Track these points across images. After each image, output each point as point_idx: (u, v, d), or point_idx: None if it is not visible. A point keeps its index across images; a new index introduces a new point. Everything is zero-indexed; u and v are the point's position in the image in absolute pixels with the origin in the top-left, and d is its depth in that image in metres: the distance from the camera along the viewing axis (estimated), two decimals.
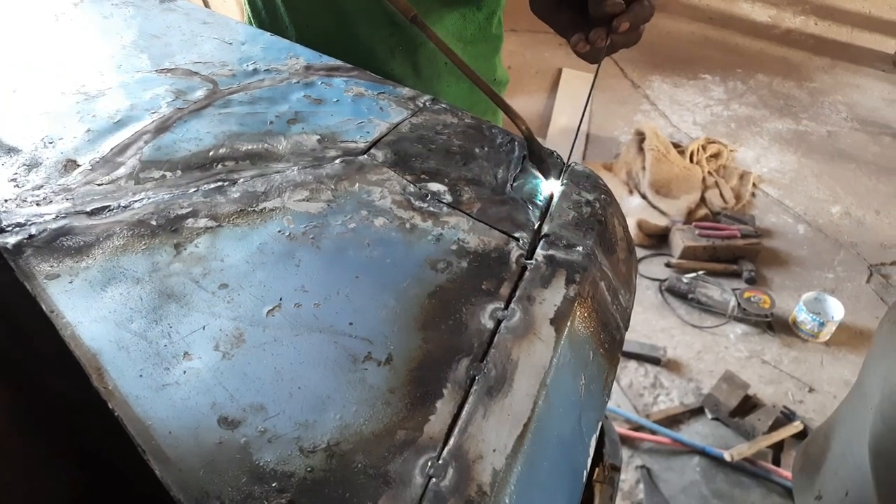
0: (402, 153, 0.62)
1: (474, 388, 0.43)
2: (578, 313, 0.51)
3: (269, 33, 0.79)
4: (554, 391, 0.45)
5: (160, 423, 0.39)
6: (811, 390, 1.96)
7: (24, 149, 0.58)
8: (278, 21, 0.91)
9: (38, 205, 0.52)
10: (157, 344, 0.43)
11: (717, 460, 1.75)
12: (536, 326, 0.48)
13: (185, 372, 0.42)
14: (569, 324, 0.49)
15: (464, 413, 0.42)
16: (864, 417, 0.80)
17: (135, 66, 0.70)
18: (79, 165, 0.57)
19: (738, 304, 2.16)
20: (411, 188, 0.58)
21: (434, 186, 0.59)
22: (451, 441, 0.40)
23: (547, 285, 0.51)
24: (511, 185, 0.61)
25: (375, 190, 0.57)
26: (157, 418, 0.39)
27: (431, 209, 0.56)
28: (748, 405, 1.88)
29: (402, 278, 0.50)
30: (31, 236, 0.49)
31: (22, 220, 0.50)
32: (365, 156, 0.61)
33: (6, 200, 0.52)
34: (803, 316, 2.09)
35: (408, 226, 0.54)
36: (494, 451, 0.40)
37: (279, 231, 0.52)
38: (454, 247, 0.53)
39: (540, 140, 0.63)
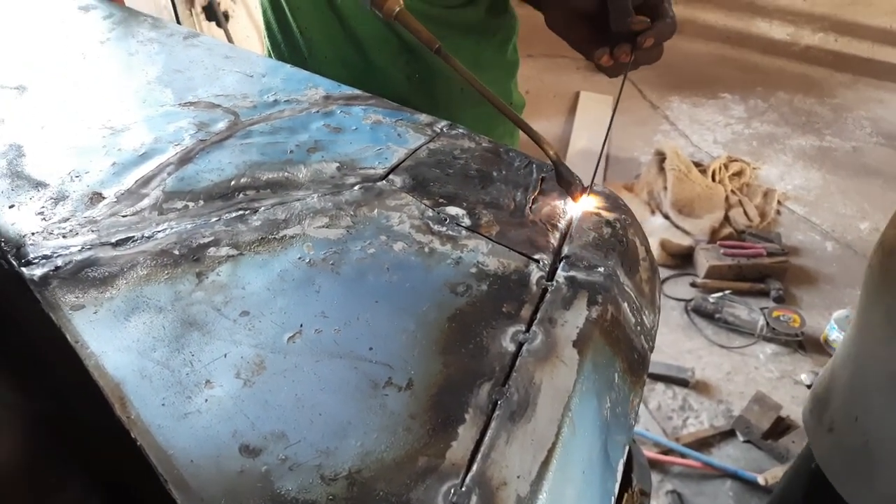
0: (420, 178, 0.62)
1: (497, 412, 0.43)
2: (601, 335, 0.50)
3: (288, 65, 0.80)
4: (578, 415, 0.45)
5: (182, 451, 0.39)
6: None
7: (52, 183, 0.59)
8: (297, 51, 0.93)
9: (64, 237, 0.53)
10: (179, 372, 0.43)
11: (751, 484, 1.70)
12: (559, 349, 0.47)
13: (206, 400, 0.42)
14: (592, 346, 0.49)
15: (486, 438, 0.41)
16: (870, 349, 0.82)
17: (159, 101, 0.71)
18: (104, 198, 0.58)
19: (767, 323, 2.12)
20: (430, 212, 0.58)
21: (452, 210, 0.59)
22: (474, 467, 0.40)
23: (569, 307, 0.51)
24: (530, 207, 0.61)
25: (394, 215, 0.57)
26: (179, 447, 0.39)
27: (450, 233, 0.56)
28: (781, 427, 1.83)
29: (422, 302, 0.50)
30: (57, 268, 0.50)
31: (48, 253, 0.51)
32: (383, 182, 0.62)
33: (33, 233, 0.53)
34: (835, 334, 2.04)
35: (427, 250, 0.54)
36: (519, 477, 0.40)
37: (299, 258, 0.53)
38: (474, 270, 0.53)
39: None
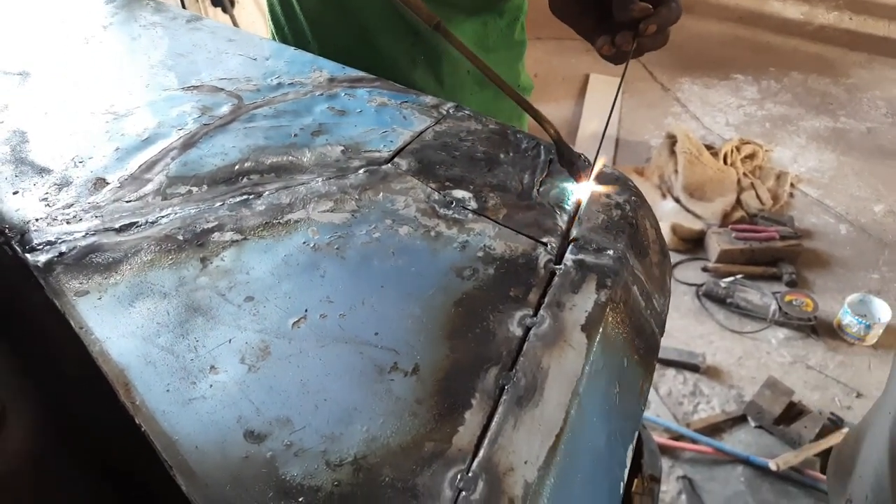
0: (425, 161, 0.61)
1: (504, 397, 0.42)
2: (610, 319, 0.49)
3: (292, 48, 0.79)
4: (587, 400, 0.44)
5: (187, 437, 0.39)
6: (859, 395, 1.89)
7: (55, 169, 0.59)
8: (301, 36, 0.92)
9: (68, 223, 0.53)
10: (184, 358, 0.43)
11: (762, 470, 1.69)
12: (567, 333, 0.47)
13: (211, 386, 0.42)
14: (601, 330, 0.48)
15: (493, 424, 0.41)
16: (883, 422, 0.76)
17: (162, 85, 0.71)
18: (108, 183, 0.57)
19: (780, 307, 2.10)
20: (436, 196, 0.57)
21: (459, 193, 0.58)
22: (481, 453, 0.39)
23: (577, 291, 0.50)
24: (537, 189, 0.60)
25: (399, 199, 0.57)
26: (184, 433, 0.39)
27: (456, 216, 0.55)
28: (793, 412, 1.82)
29: (428, 287, 0.49)
30: (61, 254, 0.50)
31: (52, 239, 0.51)
32: (389, 165, 0.61)
33: (37, 219, 0.53)
34: (848, 319, 2.02)
35: (433, 233, 0.54)
36: (526, 462, 0.39)
37: (304, 242, 0.52)
38: (480, 253, 0.52)
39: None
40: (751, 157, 2.76)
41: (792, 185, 2.67)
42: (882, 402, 0.82)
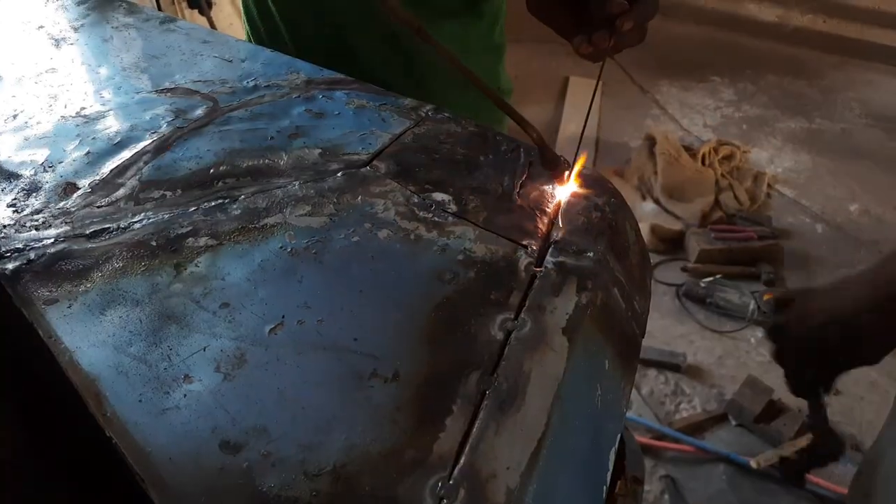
0: (405, 164, 0.61)
1: (485, 402, 0.41)
2: (591, 321, 0.49)
3: (269, 49, 0.78)
4: (569, 403, 0.44)
5: (160, 449, 0.38)
6: (837, 393, 1.91)
7: (24, 174, 0.57)
8: (277, 38, 0.91)
9: (36, 229, 0.51)
10: (157, 367, 0.42)
11: (744, 468, 1.70)
12: (548, 336, 0.46)
13: (185, 395, 0.41)
14: (582, 333, 0.47)
15: (475, 430, 0.40)
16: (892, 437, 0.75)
17: (135, 87, 0.69)
18: (78, 188, 0.56)
19: (759, 306, 2.12)
20: (415, 199, 0.57)
21: (438, 196, 0.57)
22: (463, 460, 0.38)
23: (558, 293, 0.49)
24: (518, 192, 0.59)
25: (378, 202, 0.56)
26: (157, 445, 0.38)
27: (436, 219, 0.55)
28: (773, 410, 1.83)
29: (408, 291, 0.48)
30: (29, 261, 0.48)
31: (21, 246, 0.50)
32: (367, 168, 0.60)
33: (5, 226, 0.51)
34: None
35: (412, 237, 0.53)
36: (508, 468, 0.39)
37: (281, 247, 0.51)
38: (460, 257, 0.51)
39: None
40: (728, 158, 2.79)
41: (769, 185, 2.70)
42: (890, 425, 0.80)
